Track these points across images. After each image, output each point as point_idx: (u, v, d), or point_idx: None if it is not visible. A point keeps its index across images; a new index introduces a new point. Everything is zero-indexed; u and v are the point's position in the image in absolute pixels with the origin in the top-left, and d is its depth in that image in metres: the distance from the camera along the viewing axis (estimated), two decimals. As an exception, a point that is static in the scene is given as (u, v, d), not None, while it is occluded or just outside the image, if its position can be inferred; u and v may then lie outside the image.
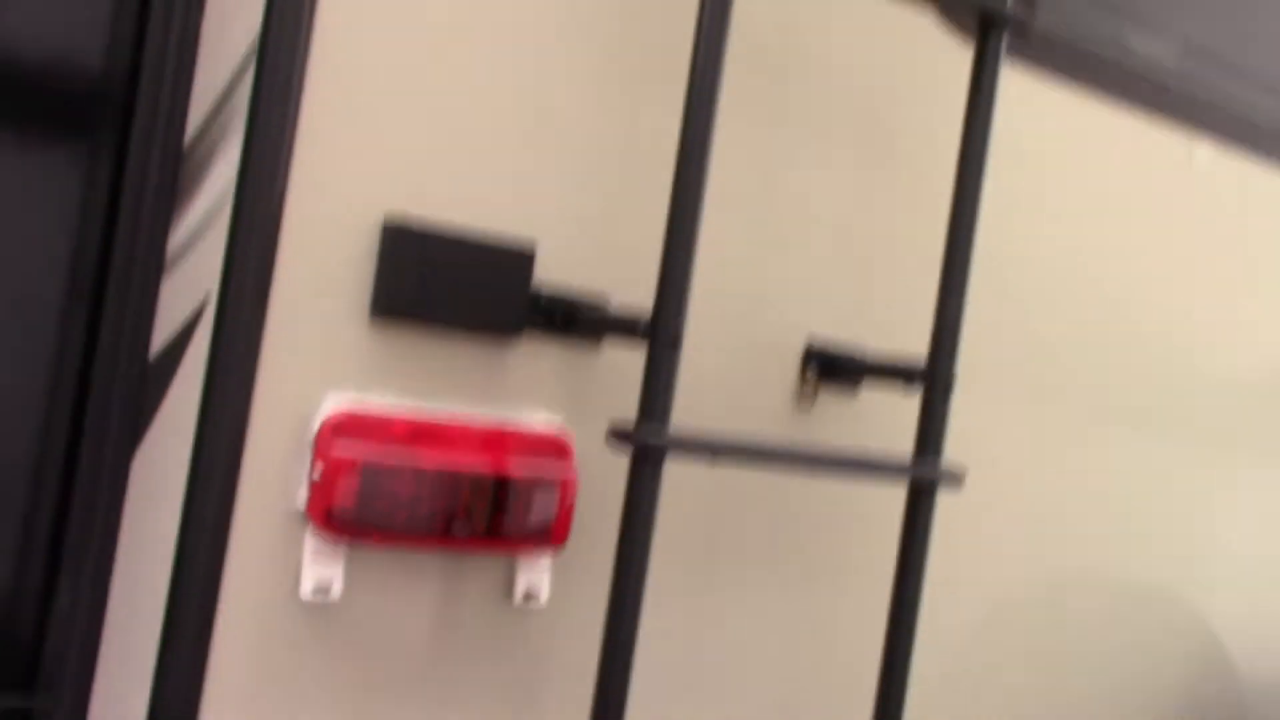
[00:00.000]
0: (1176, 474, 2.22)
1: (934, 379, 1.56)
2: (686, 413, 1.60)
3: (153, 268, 1.42)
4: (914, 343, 1.79)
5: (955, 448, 1.82)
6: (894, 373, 1.62)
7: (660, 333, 1.32)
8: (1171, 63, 2.19)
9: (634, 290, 1.53)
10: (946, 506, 1.86)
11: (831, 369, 1.69)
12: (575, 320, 1.45)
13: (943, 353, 1.56)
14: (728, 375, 1.64)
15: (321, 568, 1.33)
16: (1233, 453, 2.32)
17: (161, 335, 1.41)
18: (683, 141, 1.33)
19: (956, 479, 1.55)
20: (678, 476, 1.59)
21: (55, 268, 1.40)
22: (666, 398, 1.32)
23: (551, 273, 1.47)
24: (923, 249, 1.80)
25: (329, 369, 1.33)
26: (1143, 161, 2.10)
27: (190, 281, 1.37)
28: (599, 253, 1.50)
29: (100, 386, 1.39)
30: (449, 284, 1.38)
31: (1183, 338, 2.20)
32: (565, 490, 1.45)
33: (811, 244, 1.70)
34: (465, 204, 1.40)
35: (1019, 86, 1.89)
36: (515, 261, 1.41)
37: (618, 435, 1.31)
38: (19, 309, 1.37)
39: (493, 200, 1.42)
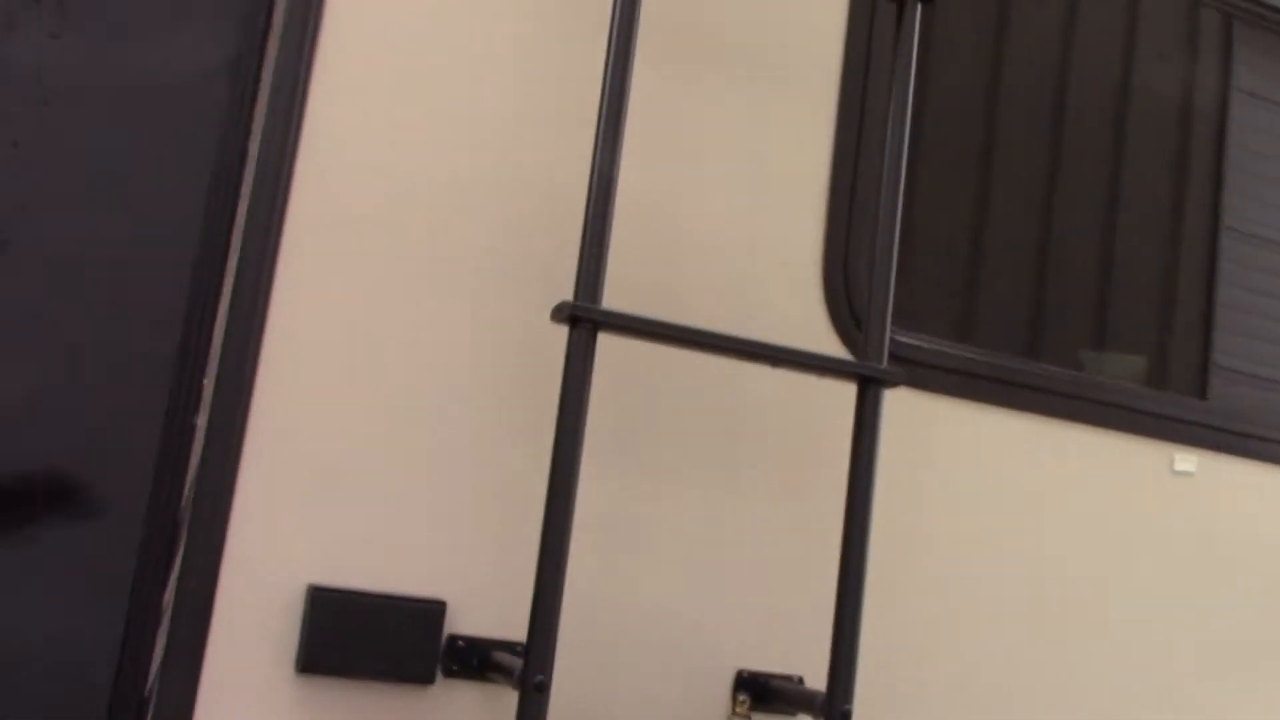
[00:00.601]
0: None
1: (831, 709, 1.67)
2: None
3: (150, 623, 1.71)
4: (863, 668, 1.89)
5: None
6: (801, 702, 1.74)
7: (527, 680, 1.50)
8: (1139, 382, 2.29)
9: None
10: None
11: (763, 695, 1.82)
12: (488, 664, 1.65)
13: (839, 686, 1.67)
14: (663, 701, 1.78)
15: None
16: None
17: (150, 681, 1.68)
18: (547, 514, 1.54)
19: (855, 808, 1.64)
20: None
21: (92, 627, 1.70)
22: (537, 741, 1.49)
23: (470, 624, 1.68)
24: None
25: None
26: (1122, 472, 2.18)
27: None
28: (515, 602, 1.71)
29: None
30: (368, 640, 1.61)
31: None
32: (481, 820, 1.61)
33: (744, 577, 1.86)
34: (382, 570, 1.64)
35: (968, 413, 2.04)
36: (427, 617, 1.64)
37: (492, 776, 1.49)
38: (58, 650, 1.67)
39: (406, 564, 1.65)
